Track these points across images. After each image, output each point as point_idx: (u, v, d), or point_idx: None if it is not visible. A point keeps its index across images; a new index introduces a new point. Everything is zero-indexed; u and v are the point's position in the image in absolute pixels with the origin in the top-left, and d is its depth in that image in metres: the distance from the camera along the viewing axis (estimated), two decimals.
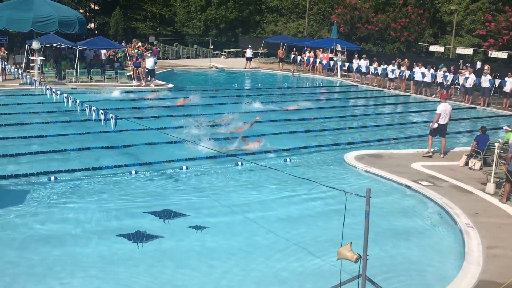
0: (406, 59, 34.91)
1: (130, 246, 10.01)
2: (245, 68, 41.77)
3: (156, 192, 13.10)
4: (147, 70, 29.90)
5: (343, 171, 15.55)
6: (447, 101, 17.62)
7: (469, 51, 36.19)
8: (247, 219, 11.58)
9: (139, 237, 10.35)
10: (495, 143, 14.86)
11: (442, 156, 17.08)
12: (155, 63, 30.25)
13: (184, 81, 34.97)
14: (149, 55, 30.18)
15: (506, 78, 27.68)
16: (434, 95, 30.39)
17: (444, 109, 16.77)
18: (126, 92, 27.49)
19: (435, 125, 16.85)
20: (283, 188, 13.78)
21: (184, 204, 12.32)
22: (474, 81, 28.61)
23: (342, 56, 38.93)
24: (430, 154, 16.97)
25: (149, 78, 29.88)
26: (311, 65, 41.15)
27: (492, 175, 13.84)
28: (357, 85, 35.50)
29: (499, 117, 25.99)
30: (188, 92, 27.79)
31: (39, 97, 23.73)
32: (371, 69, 34.55)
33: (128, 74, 31.46)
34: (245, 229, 11.12)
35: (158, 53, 43.59)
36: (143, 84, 29.76)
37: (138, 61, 31.72)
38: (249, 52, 41.76)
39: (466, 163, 16.16)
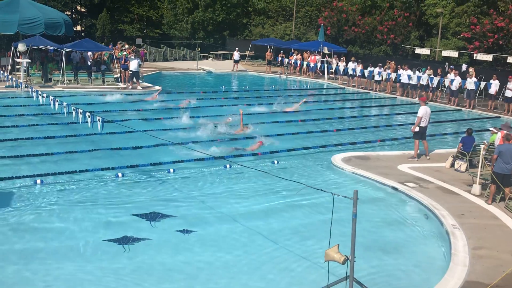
0: (392, 62, 35.12)
1: (118, 250, 9.97)
2: (233, 70, 41.78)
3: (143, 195, 13.04)
4: (130, 72, 29.69)
5: (330, 173, 15.60)
6: (427, 103, 17.73)
7: (454, 54, 36.51)
8: (234, 221, 11.57)
9: (126, 241, 10.30)
10: (481, 145, 15.02)
11: (428, 158, 17.20)
12: (140, 65, 30.03)
13: (172, 83, 34.87)
14: (132, 57, 29.91)
15: (491, 81, 27.97)
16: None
17: (424, 112, 16.92)
18: (113, 94, 27.35)
19: (416, 129, 17.00)
20: (270, 190, 13.79)
21: (172, 206, 12.28)
22: (459, 83, 28.87)
23: (333, 59, 39.08)
24: (416, 158, 17.08)
25: (134, 80, 29.74)
26: (299, 68, 41.27)
27: (478, 176, 13.97)
28: (344, 88, 35.65)
29: (484, 119, 26.23)
30: (176, 95, 27.76)
31: (25, 100, 23.53)
32: (358, 72, 34.71)
33: (115, 76, 31.30)
34: (232, 231, 11.11)
35: (145, 55, 43.48)
36: (130, 87, 29.61)
37: (125, 63, 31.55)
38: (236, 55, 41.79)
39: (452, 165, 16.28)
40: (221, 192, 13.61)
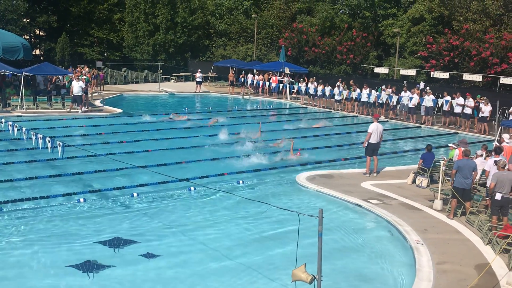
0: (351, 81, 35.75)
1: (81, 277, 9.74)
2: (195, 92, 41.76)
3: (106, 220, 12.81)
4: (72, 96, 28.76)
5: (295, 192, 15.65)
6: (381, 120, 18.06)
7: (412, 72, 37.43)
8: (200, 244, 11.47)
9: (89, 267, 10.08)
10: (441, 161, 15.37)
11: (375, 175, 17.45)
12: (82, 88, 28.89)
13: (134, 106, 34.58)
14: (75, 80, 28.97)
15: (445, 98, 28.78)
16: (382, 116, 31.11)
17: (375, 128, 17.26)
18: (73, 118, 26.93)
19: (366, 144, 17.32)
20: (235, 211, 13.74)
21: (135, 231, 12.09)
22: (418, 100, 29.58)
23: (291, 79, 39.54)
24: (367, 174, 17.35)
25: (77, 104, 28.85)
26: (261, 88, 41.56)
27: (439, 191, 14.26)
28: (306, 107, 36.05)
29: (442, 135, 26.85)
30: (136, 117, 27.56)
31: None
32: (319, 91, 35.18)
33: None
34: (198, 254, 11.01)
35: (105, 78, 43.02)
36: (80, 111, 28.80)
37: (86, 87, 31.11)
38: (199, 76, 41.84)
39: (414, 181, 16.58)
40: (186, 214, 13.48)
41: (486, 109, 26.43)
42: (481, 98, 27.41)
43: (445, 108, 28.79)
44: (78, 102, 28.92)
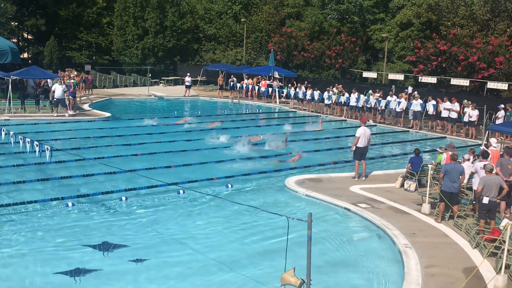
0: (340, 85, 35.89)
1: (69, 281, 9.67)
2: (185, 95, 41.72)
3: (94, 224, 12.74)
4: (55, 100, 28.43)
5: (284, 196, 15.66)
6: (366, 124, 18.18)
7: (400, 77, 37.68)
8: (188, 248, 11.44)
9: (78, 273, 10.01)
10: (429, 165, 15.46)
11: (364, 178, 17.53)
12: (65, 91, 28.66)
13: (122, 110, 34.45)
14: (57, 84, 28.59)
15: (428, 102, 29.01)
16: (371, 120, 31.26)
17: (363, 132, 17.35)
18: (61, 122, 26.78)
19: (354, 148, 17.41)
20: (225, 216, 13.72)
21: (124, 235, 12.04)
22: (406, 105, 29.77)
23: (280, 83, 39.61)
24: (356, 178, 17.43)
25: (59, 108, 28.61)
26: (250, 92, 41.61)
27: (427, 195, 14.34)
28: (295, 111, 36.14)
29: (430, 139, 27.01)
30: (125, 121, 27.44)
31: None
32: (308, 95, 35.28)
33: None
34: (186, 258, 10.98)
35: (93, 82, 42.80)
36: (55, 115, 28.62)
37: (74, 90, 30.94)
38: (188, 80, 41.80)
39: (402, 185, 16.67)
40: (175, 218, 13.45)
41: (473, 114, 26.64)
42: (467, 103, 27.62)
43: (431, 112, 29.00)
44: (62, 104, 28.66)
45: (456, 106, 27.74)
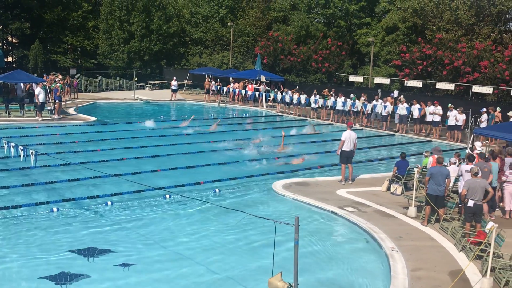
0: (326, 89, 36.03)
1: None
2: (171, 99, 41.60)
3: (80, 229, 12.62)
4: (40, 104, 28.28)
5: (271, 200, 15.64)
6: (352, 128, 18.22)
7: (386, 81, 37.90)
8: (175, 253, 11.37)
9: (63, 278, 9.90)
10: (415, 168, 15.54)
11: (350, 182, 17.59)
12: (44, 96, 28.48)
13: (108, 114, 34.23)
14: (39, 88, 28.40)
15: (413, 106, 29.21)
16: (357, 124, 31.38)
17: (348, 136, 17.41)
18: (46, 126, 26.55)
19: (339, 151, 17.47)
20: (212, 220, 13.67)
21: (110, 240, 11.94)
22: (392, 109, 29.96)
23: (267, 87, 39.67)
24: (343, 182, 17.47)
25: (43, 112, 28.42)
26: (237, 96, 41.61)
27: (413, 199, 14.41)
28: (282, 115, 36.19)
29: (416, 143, 27.18)
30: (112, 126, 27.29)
31: None
32: (295, 99, 35.36)
33: (48, 108, 30.40)
34: (173, 263, 10.90)
35: (79, 86, 42.52)
36: (40, 119, 28.28)
37: (59, 94, 30.70)
38: (174, 84, 41.70)
39: (388, 188, 16.73)
40: (161, 223, 13.36)
41: (460, 118, 26.85)
42: (451, 106, 27.78)
43: (415, 115, 29.21)
44: (39, 109, 28.46)
45: (439, 109, 27.95)
